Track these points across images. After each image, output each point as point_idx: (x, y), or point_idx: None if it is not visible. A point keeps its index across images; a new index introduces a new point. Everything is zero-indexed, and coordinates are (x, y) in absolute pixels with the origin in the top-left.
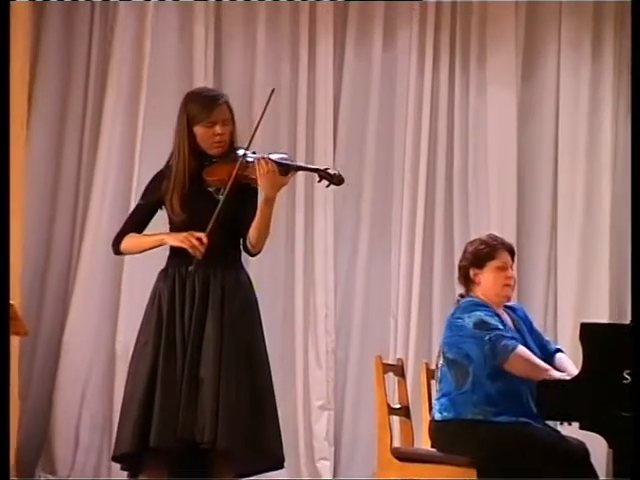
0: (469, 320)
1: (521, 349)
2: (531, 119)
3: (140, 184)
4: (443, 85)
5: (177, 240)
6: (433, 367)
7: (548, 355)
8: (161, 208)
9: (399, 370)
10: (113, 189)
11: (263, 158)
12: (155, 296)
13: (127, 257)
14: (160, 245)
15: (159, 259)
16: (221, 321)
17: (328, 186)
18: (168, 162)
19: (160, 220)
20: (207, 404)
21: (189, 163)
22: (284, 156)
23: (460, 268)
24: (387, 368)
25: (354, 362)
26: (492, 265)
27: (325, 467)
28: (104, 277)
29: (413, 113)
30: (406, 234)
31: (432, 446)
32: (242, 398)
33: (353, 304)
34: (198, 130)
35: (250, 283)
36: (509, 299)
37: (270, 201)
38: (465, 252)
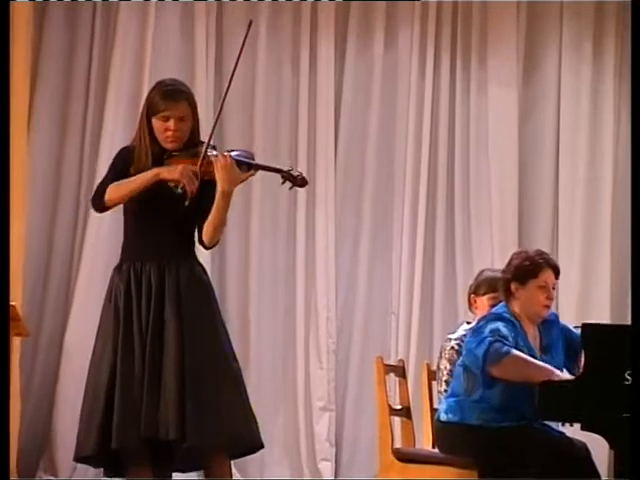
0: (486, 328)
1: (514, 354)
2: (532, 118)
3: None
4: (444, 85)
5: (174, 173)
6: (434, 368)
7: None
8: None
9: (400, 371)
10: None
11: (222, 154)
12: (111, 293)
13: None
14: (154, 181)
15: None
16: (179, 314)
17: (291, 188)
18: (125, 147)
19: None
20: (171, 400)
21: (148, 152)
22: (245, 154)
23: (502, 279)
24: (388, 369)
25: (355, 363)
26: (534, 283)
27: (326, 468)
28: (105, 278)
29: (414, 113)
30: (407, 234)
31: (435, 445)
32: (206, 390)
33: (354, 305)
34: (154, 122)
35: (205, 273)
36: (543, 318)
37: (226, 195)
38: (509, 264)
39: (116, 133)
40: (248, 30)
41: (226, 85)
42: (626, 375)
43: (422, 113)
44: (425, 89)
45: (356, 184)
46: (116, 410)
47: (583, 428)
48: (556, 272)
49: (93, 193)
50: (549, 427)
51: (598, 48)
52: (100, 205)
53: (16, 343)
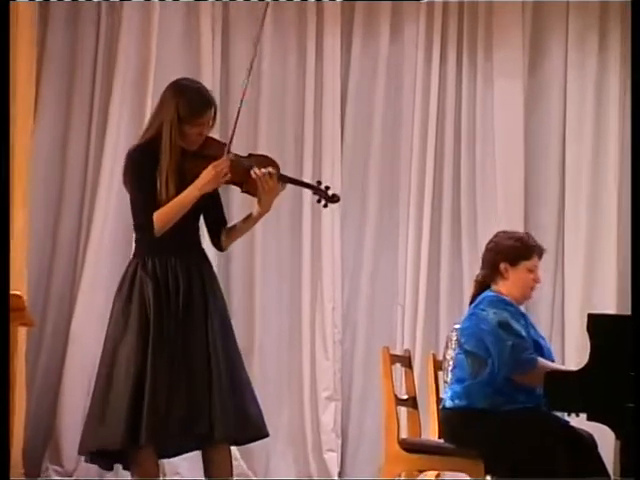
0: (494, 317)
1: (541, 364)
2: (538, 111)
3: None
4: (450, 77)
5: (209, 183)
6: (440, 358)
7: None
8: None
9: (406, 361)
10: (120, 183)
11: (269, 173)
12: (134, 285)
13: (133, 249)
14: (197, 198)
15: None
16: (206, 310)
17: (325, 205)
18: (139, 147)
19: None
20: (201, 394)
21: (175, 156)
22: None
23: (490, 257)
24: (394, 359)
25: (361, 353)
26: (525, 265)
27: (332, 458)
28: (110, 270)
29: (420, 105)
30: (413, 225)
31: (440, 433)
32: (231, 382)
33: (360, 295)
34: (186, 129)
35: (212, 268)
36: (530, 299)
37: (265, 212)
38: (499, 243)
39: (121, 129)
40: (265, 11)
41: (232, 82)
42: (632, 365)
43: (428, 106)
44: (431, 82)
45: (362, 176)
46: (147, 405)
47: (589, 418)
48: (541, 257)
49: (139, 222)
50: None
51: (603, 41)
52: (152, 232)
53: (22, 333)
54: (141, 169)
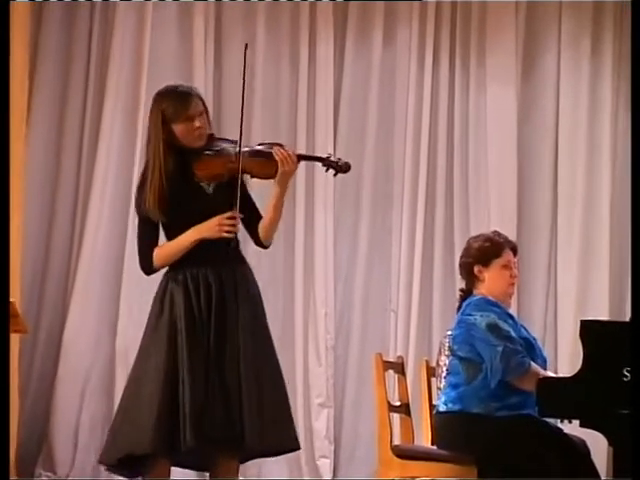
0: (481, 320)
1: (533, 368)
2: (531, 117)
3: None
4: (443, 83)
5: (213, 232)
6: (433, 364)
7: None
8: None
9: (399, 367)
10: (112, 189)
11: (286, 152)
12: (165, 297)
13: (126, 255)
14: (197, 243)
15: None
16: (237, 318)
17: (335, 175)
18: (144, 171)
19: None
20: (235, 403)
21: (166, 162)
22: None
23: (464, 264)
24: (387, 365)
25: (354, 359)
26: (498, 263)
27: (325, 465)
28: (104, 276)
29: (413, 110)
30: (406, 231)
31: (434, 439)
32: (267, 393)
33: (353, 301)
34: (177, 127)
35: (252, 273)
36: (511, 295)
37: (284, 193)
38: (469, 248)
39: (114, 131)
40: (245, 53)
41: (225, 84)
42: (624, 372)
43: (421, 110)
44: (424, 86)
45: (355, 180)
46: (185, 411)
47: (582, 425)
48: (515, 252)
49: (141, 256)
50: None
51: (597, 45)
52: (150, 270)
53: (15, 340)
54: (137, 205)
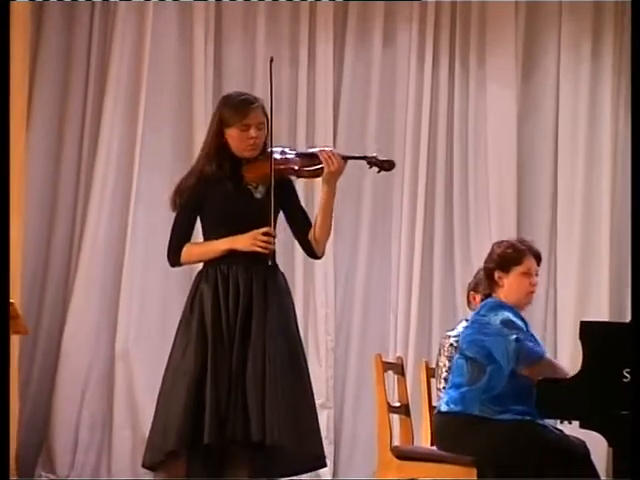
0: (495, 318)
1: (547, 358)
2: (531, 118)
3: (140, 183)
4: (443, 83)
5: (247, 244)
6: (433, 365)
7: None
8: (198, 213)
9: (399, 368)
10: (112, 189)
11: (333, 155)
12: (195, 297)
13: (126, 256)
14: (227, 252)
15: (159, 257)
16: (265, 320)
17: (379, 172)
18: (194, 167)
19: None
20: (258, 402)
21: (218, 163)
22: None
23: (485, 269)
24: (387, 366)
25: (354, 360)
26: (517, 270)
27: None
28: (104, 277)
29: (413, 111)
30: (406, 232)
31: (434, 439)
32: (290, 399)
33: (353, 303)
34: (231, 132)
35: (286, 281)
36: (529, 304)
37: (334, 191)
38: (492, 253)
39: (114, 132)
40: (271, 66)
41: (225, 85)
42: (624, 372)
43: (421, 111)
44: (424, 87)
45: (355, 181)
46: (209, 409)
47: (582, 426)
48: (538, 259)
49: (170, 246)
50: (547, 426)
51: (597, 47)
52: (176, 263)
53: (15, 341)
54: (180, 196)
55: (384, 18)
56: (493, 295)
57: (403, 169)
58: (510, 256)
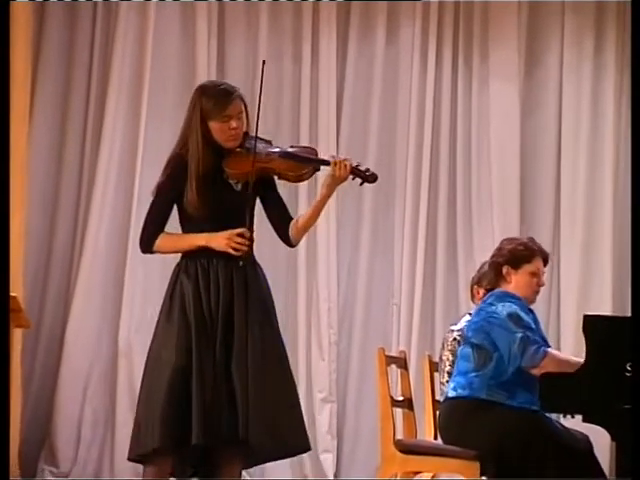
0: (503, 309)
1: (551, 353)
2: (534, 113)
3: (142, 180)
4: (446, 79)
5: (221, 244)
6: (436, 359)
7: None
8: (175, 203)
9: (402, 362)
10: (115, 185)
11: (342, 162)
12: (175, 289)
13: (129, 251)
14: (201, 248)
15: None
16: (246, 315)
17: (361, 184)
18: (176, 155)
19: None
20: (244, 401)
21: (204, 157)
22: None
23: (493, 263)
24: (390, 360)
25: (357, 354)
26: (527, 269)
27: (328, 459)
28: (106, 272)
29: (416, 107)
30: (409, 226)
31: (438, 428)
32: (274, 393)
33: (356, 296)
34: (213, 125)
35: (264, 276)
36: (532, 304)
37: (330, 195)
38: (502, 248)
39: (117, 130)
40: (263, 69)
41: (228, 81)
42: (627, 367)
43: (424, 108)
44: (427, 84)
45: None
46: (195, 408)
47: (585, 420)
48: (545, 261)
49: (145, 233)
50: (552, 419)
51: (599, 43)
52: (148, 251)
53: (17, 335)
54: (162, 186)
55: (387, 15)
56: (497, 289)
57: (406, 165)
58: (521, 254)
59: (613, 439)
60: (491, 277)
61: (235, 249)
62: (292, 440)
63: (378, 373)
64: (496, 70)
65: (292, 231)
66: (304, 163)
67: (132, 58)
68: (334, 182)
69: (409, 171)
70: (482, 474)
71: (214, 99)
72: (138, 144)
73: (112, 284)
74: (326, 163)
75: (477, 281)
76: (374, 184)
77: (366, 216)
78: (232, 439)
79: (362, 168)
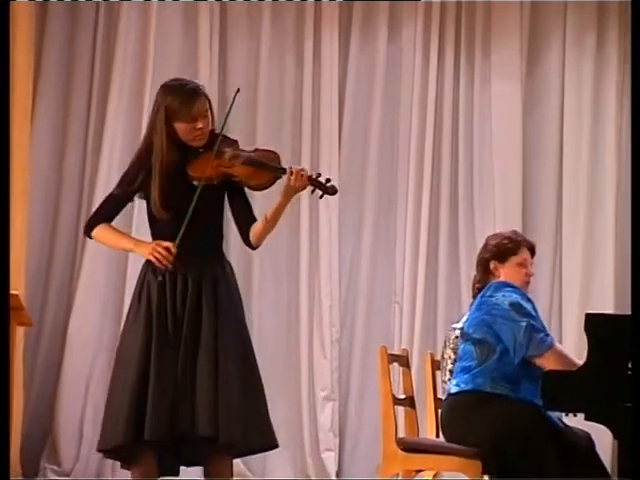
0: (504, 299)
1: (557, 346)
2: (535, 111)
3: None
4: (448, 78)
5: (145, 252)
6: (438, 357)
7: None
8: (132, 200)
9: (404, 360)
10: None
11: (298, 171)
12: (143, 288)
13: None
14: (127, 251)
15: None
16: (216, 312)
17: (321, 197)
18: (139, 153)
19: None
20: (207, 396)
21: (168, 158)
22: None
23: (480, 260)
24: (392, 358)
25: (359, 352)
26: (513, 261)
27: (330, 458)
28: (108, 270)
29: (418, 106)
30: (411, 224)
31: (441, 425)
32: (239, 388)
33: (358, 294)
34: (179, 125)
35: (233, 272)
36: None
37: (287, 204)
38: (487, 244)
39: (118, 129)
40: (235, 96)
41: (230, 81)
42: (629, 365)
43: (426, 106)
44: (429, 82)
45: (359, 174)
46: (150, 403)
47: (587, 418)
48: (532, 251)
49: (90, 217)
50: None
51: (601, 41)
52: (87, 235)
53: (19, 333)
54: (123, 180)
55: (389, 13)
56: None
57: (408, 163)
58: (506, 247)
59: (615, 437)
60: (481, 274)
61: (158, 260)
62: (258, 438)
63: (380, 371)
64: (498, 69)
65: (252, 235)
66: (264, 170)
67: (134, 58)
68: (289, 192)
69: (411, 169)
70: (484, 472)
71: (180, 99)
72: (140, 142)
73: (114, 282)
74: (282, 172)
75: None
76: (374, 184)
77: (368, 214)
78: (192, 436)
79: (322, 179)
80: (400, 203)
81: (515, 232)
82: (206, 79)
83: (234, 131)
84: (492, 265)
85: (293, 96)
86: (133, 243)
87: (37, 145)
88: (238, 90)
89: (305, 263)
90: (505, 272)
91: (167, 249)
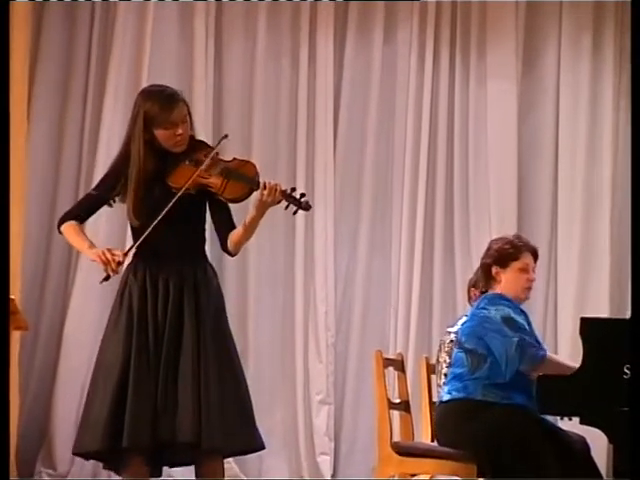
0: (496, 313)
1: (551, 357)
2: (531, 113)
3: None
4: (443, 79)
5: (93, 255)
6: (433, 362)
7: None
8: (110, 205)
9: (399, 365)
10: None
11: (271, 186)
12: (125, 292)
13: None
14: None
15: None
16: (197, 317)
17: (295, 213)
18: (119, 161)
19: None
20: (188, 402)
21: (146, 167)
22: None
23: (483, 264)
24: (387, 362)
25: (354, 356)
26: (515, 266)
27: (325, 462)
28: (104, 272)
29: (413, 107)
30: (406, 228)
31: (434, 431)
32: (223, 394)
33: (353, 299)
34: (159, 132)
35: (216, 275)
36: (526, 300)
37: (261, 218)
38: (489, 249)
39: (114, 130)
40: (221, 140)
41: (225, 83)
42: (625, 369)
43: (421, 108)
44: (424, 83)
45: (355, 178)
46: (129, 410)
47: (582, 422)
48: (535, 256)
49: (65, 213)
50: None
51: (597, 42)
52: (58, 228)
53: (15, 337)
54: (102, 183)
55: (384, 14)
56: (489, 291)
57: (403, 166)
58: (507, 252)
59: (610, 441)
60: (482, 279)
61: (104, 263)
62: (241, 441)
63: (375, 375)
64: (494, 70)
65: (230, 243)
66: (240, 183)
67: (130, 58)
68: (261, 206)
69: (406, 171)
70: (479, 476)
71: (159, 104)
72: None
73: (110, 284)
74: (257, 185)
75: (473, 283)
76: (371, 185)
77: (363, 218)
78: (174, 442)
79: (296, 194)
80: (395, 207)
81: (518, 236)
82: (202, 80)
83: (229, 131)
84: (494, 270)
85: (289, 97)
86: (87, 245)
87: (33, 146)
88: (226, 136)
89: (301, 268)
90: (506, 277)
91: (114, 255)
